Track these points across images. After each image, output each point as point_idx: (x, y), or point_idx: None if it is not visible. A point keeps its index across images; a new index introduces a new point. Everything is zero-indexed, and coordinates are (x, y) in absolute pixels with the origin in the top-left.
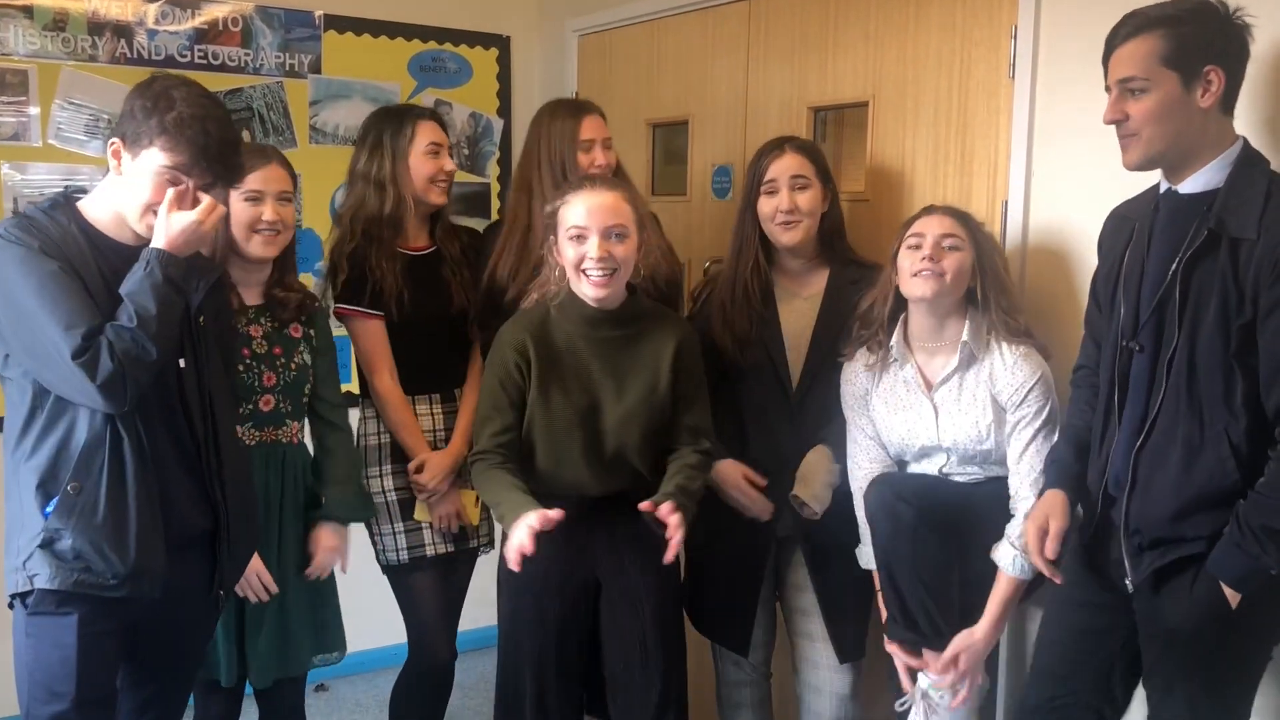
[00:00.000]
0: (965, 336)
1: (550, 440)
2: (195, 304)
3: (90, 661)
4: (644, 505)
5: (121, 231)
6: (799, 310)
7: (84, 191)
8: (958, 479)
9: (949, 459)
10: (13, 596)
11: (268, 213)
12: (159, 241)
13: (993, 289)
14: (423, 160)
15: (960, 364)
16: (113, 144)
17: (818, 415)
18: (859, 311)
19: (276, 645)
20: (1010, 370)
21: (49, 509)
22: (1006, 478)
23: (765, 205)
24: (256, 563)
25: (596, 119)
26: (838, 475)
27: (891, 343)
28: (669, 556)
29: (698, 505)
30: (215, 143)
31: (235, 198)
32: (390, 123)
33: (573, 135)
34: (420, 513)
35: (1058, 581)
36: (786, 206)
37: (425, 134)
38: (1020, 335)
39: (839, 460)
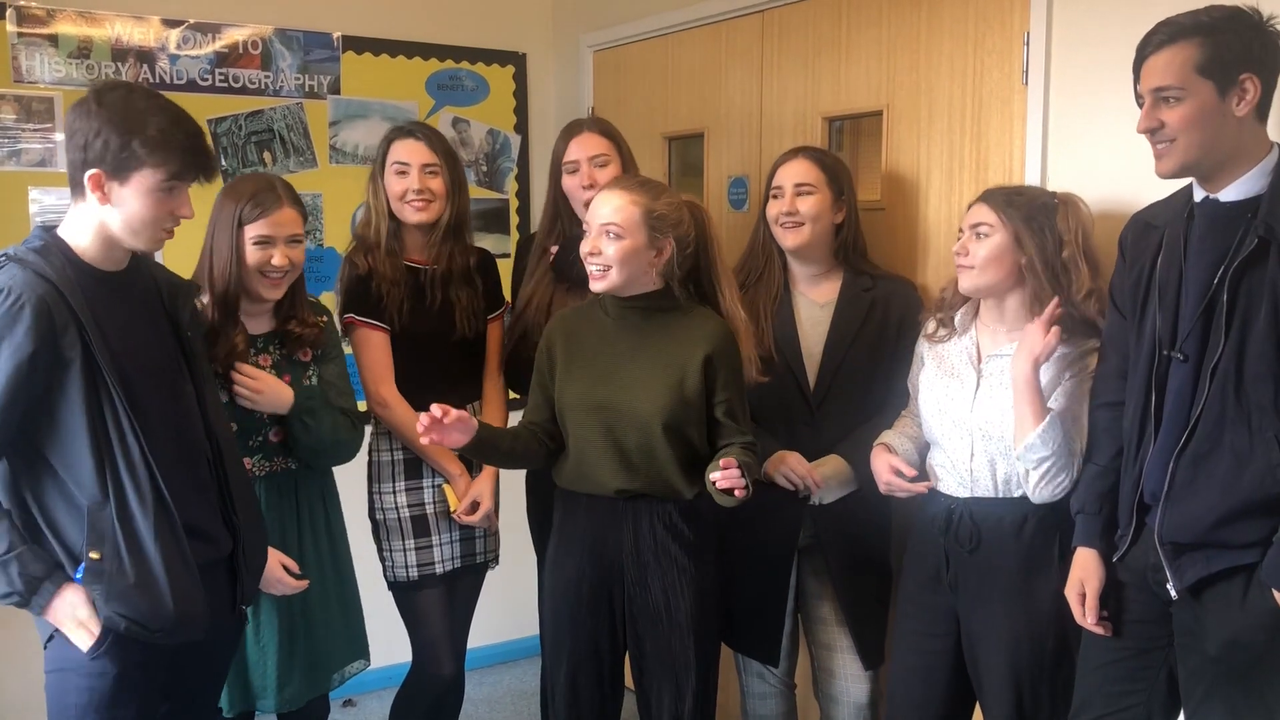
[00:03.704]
0: (1026, 312)
1: (572, 428)
2: (185, 321)
3: (142, 698)
4: (713, 476)
5: (107, 258)
6: (815, 318)
7: (53, 225)
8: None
9: (972, 443)
10: (54, 635)
11: (277, 258)
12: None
13: (1049, 283)
14: (392, 179)
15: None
16: (92, 175)
17: (837, 421)
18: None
19: (307, 665)
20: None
21: (79, 575)
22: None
23: (771, 209)
24: (273, 560)
25: (585, 137)
26: (851, 483)
27: (956, 316)
28: (737, 493)
29: (753, 483)
30: (197, 141)
31: (247, 240)
32: (380, 143)
33: (559, 159)
34: (451, 499)
35: (1102, 633)
36: (787, 209)
37: (395, 153)
38: (1086, 331)
39: (858, 472)
